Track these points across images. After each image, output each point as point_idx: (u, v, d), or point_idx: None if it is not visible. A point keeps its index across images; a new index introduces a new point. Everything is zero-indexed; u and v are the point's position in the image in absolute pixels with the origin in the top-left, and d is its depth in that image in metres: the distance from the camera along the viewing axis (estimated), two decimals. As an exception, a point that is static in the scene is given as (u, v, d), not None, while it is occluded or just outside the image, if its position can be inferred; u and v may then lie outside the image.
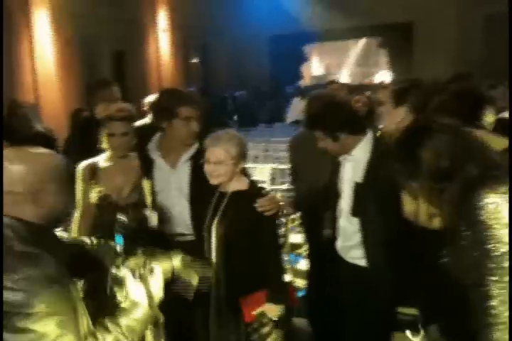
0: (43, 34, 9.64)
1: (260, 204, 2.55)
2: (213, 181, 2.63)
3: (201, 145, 2.80)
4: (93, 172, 2.97)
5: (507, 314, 1.75)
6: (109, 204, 2.90)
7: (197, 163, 2.77)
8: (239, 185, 2.67)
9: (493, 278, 1.78)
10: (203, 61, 16.17)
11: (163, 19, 13.84)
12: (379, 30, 15.66)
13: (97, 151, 3.10)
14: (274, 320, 2.56)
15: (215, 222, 2.65)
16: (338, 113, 2.69)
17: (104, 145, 2.99)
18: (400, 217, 2.56)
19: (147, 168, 3.00)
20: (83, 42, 10.69)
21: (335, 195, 2.85)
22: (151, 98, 5.82)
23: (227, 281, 2.64)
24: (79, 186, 2.97)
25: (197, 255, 2.70)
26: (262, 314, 2.55)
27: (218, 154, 2.57)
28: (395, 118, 2.65)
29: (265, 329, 2.56)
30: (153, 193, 3.00)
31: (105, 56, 11.83)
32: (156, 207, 2.97)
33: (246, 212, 2.57)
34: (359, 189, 2.68)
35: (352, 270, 2.83)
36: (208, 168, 2.61)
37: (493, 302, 1.77)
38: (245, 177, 2.73)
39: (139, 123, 5.84)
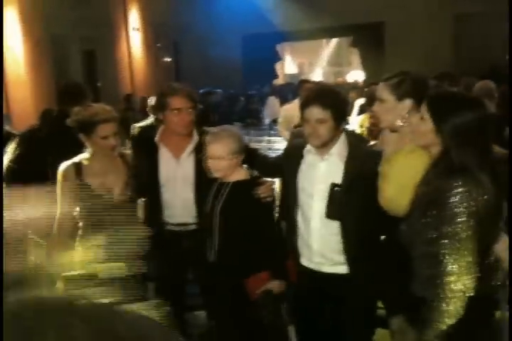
0: (12, 33, 9.48)
1: (261, 191, 2.75)
2: (216, 174, 2.85)
3: (201, 138, 3.06)
4: (79, 172, 2.91)
5: (460, 288, 1.93)
6: (104, 203, 2.89)
7: (200, 154, 2.99)
8: (238, 175, 2.86)
9: (455, 257, 1.95)
10: (175, 60, 16.09)
11: (133, 18, 13.72)
12: (350, 30, 15.76)
13: (73, 150, 3.06)
14: (277, 296, 2.78)
15: (218, 210, 2.82)
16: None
17: (93, 147, 2.92)
18: (379, 216, 2.60)
19: (153, 160, 3.13)
20: (53, 41, 10.54)
21: (299, 197, 2.77)
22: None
23: (230, 265, 2.82)
24: (63, 187, 2.92)
25: (199, 242, 2.92)
26: (267, 291, 2.76)
27: (220, 150, 2.77)
28: (401, 112, 2.56)
29: (270, 306, 2.75)
30: (158, 184, 3.12)
31: (76, 56, 11.69)
32: (161, 197, 3.13)
33: (247, 200, 2.77)
34: (337, 190, 2.64)
35: (329, 279, 2.78)
36: (210, 163, 2.81)
37: (451, 278, 1.95)
38: (243, 167, 2.91)
39: (142, 124, 5.82)
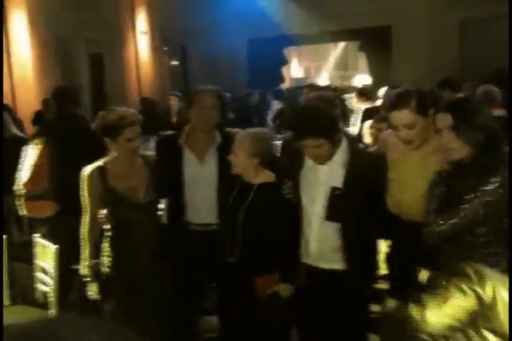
0: (19, 36, 9.54)
1: (287, 191, 2.82)
2: (234, 170, 2.91)
3: (224, 139, 3.15)
4: (103, 175, 2.99)
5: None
6: (129, 205, 2.99)
7: (223, 155, 3.06)
8: (263, 177, 2.93)
9: (503, 250, 2.07)
10: (182, 63, 16.13)
11: (141, 21, 13.77)
12: (357, 34, 15.75)
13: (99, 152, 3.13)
14: (285, 299, 2.84)
15: (242, 211, 2.86)
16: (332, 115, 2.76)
17: (117, 149, 3.00)
18: (379, 216, 2.65)
19: (177, 161, 3.18)
20: (60, 44, 10.60)
21: (301, 199, 2.84)
22: None
23: (247, 263, 2.88)
24: (89, 190, 2.98)
25: (220, 242, 2.98)
26: (275, 293, 2.84)
27: (237, 148, 2.87)
28: (430, 124, 2.54)
29: (275, 308, 2.82)
30: (182, 185, 3.16)
31: (83, 58, 11.74)
32: (184, 198, 3.18)
33: (272, 202, 2.85)
34: (337, 193, 2.69)
35: (325, 275, 2.83)
36: (230, 158, 2.90)
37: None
38: (266, 170, 2.96)
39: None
